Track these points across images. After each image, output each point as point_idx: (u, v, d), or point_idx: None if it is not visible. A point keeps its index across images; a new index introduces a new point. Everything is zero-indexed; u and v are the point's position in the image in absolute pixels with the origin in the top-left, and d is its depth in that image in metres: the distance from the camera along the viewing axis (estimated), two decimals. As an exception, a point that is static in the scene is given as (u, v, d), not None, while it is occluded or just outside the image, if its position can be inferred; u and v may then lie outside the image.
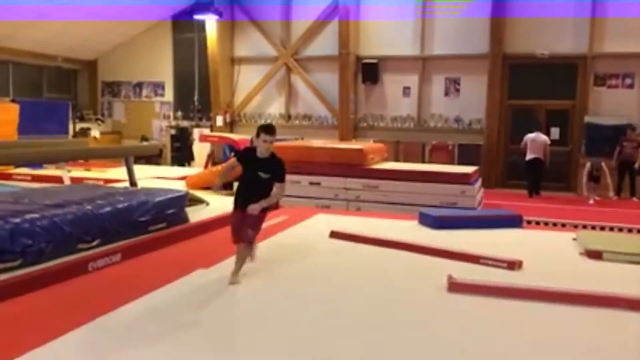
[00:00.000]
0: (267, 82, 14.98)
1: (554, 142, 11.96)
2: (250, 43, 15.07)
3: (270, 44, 14.82)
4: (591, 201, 10.60)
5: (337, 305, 3.68)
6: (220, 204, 6.41)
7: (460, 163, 11.68)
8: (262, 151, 4.01)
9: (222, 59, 14.90)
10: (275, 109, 15.18)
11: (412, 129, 13.87)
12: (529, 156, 11.35)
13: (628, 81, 12.30)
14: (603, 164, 10.77)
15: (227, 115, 15.09)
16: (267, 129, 4.01)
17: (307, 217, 6.69)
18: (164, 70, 16.23)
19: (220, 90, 14.98)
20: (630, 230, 7.30)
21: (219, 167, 9.84)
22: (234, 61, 15.32)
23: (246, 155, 4.19)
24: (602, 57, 12.32)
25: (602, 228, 7.36)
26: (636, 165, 11.14)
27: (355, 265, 4.70)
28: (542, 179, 11.59)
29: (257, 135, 4.00)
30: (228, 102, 15.22)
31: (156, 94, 16.41)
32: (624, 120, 11.86)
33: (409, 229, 6.14)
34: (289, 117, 14.99)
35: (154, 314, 3.42)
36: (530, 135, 11.40)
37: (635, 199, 11.10)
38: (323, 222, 6.35)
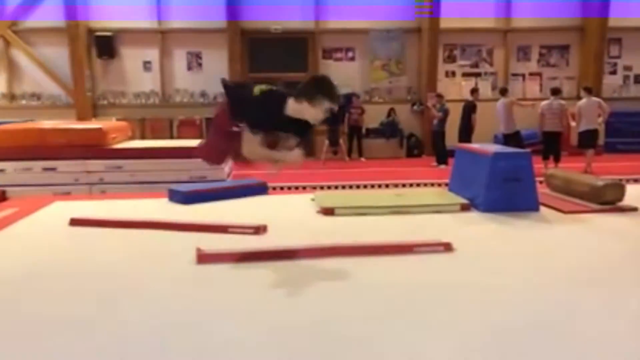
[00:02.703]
0: (-19, 57, 12.96)
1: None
2: (-47, 11, 12.77)
3: (-21, 12, 12.78)
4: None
5: (77, 296, 3.43)
6: None
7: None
8: None
9: None
10: (-6, 88, 13.24)
11: (157, 105, 13.50)
12: None
13: (350, 54, 13.81)
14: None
15: None
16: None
17: (41, 206, 6.05)
18: None
19: None
20: (358, 187, 8.30)
21: None
22: None
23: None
24: (327, 32, 13.56)
25: (336, 187, 8.22)
26: (362, 130, 12.72)
27: (97, 252, 4.43)
28: None
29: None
30: None
31: None
32: (349, 90, 13.32)
33: (159, 207, 6.01)
34: (13, 96, 13.22)
35: None
36: None
37: (362, 159, 12.63)
38: (62, 210, 5.81)
